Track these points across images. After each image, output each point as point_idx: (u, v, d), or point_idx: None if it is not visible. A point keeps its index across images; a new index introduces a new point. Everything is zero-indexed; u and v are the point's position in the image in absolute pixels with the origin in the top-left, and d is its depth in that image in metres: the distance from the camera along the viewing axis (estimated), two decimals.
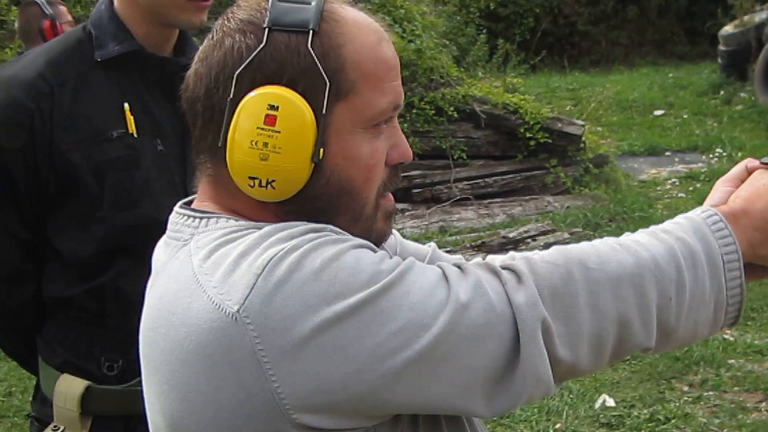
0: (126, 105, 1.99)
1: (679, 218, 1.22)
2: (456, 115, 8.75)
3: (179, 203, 1.21)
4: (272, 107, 1.07)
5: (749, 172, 1.29)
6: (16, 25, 4.08)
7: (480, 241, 7.43)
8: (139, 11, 2.01)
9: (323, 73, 1.08)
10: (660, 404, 4.80)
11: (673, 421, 4.62)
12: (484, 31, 12.20)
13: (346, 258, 1.04)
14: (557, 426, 4.65)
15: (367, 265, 1.04)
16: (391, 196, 1.21)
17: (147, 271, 1.98)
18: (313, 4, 1.10)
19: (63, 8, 4.02)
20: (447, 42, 9.38)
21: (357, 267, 1.03)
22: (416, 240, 6.14)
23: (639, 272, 1.13)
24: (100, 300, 1.98)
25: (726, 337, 5.57)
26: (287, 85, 1.08)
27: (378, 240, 1.19)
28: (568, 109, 11.98)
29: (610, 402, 4.88)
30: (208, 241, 1.09)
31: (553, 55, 15.83)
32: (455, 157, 8.74)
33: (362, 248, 1.08)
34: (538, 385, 1.08)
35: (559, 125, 8.81)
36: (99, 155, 1.95)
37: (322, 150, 1.09)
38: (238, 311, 1.01)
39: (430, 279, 1.06)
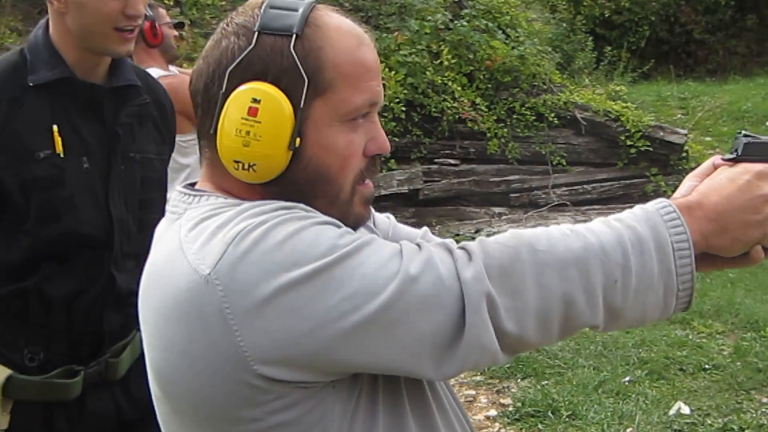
0: (55, 126, 2.14)
1: (636, 208, 1.32)
2: (557, 122, 8.81)
3: (182, 184, 1.38)
4: (255, 100, 1.21)
5: (715, 168, 1.38)
6: None
7: None
8: (71, 39, 2.16)
9: (302, 72, 1.22)
10: (736, 414, 4.79)
11: (746, 431, 4.61)
12: (592, 38, 12.16)
13: (308, 232, 1.17)
14: (629, 430, 4.69)
15: (326, 238, 1.17)
16: (370, 183, 1.33)
17: (70, 275, 2.17)
18: (299, 11, 1.24)
19: (162, 11, 4.25)
20: (550, 49, 9.40)
21: (316, 240, 1.16)
22: None
23: (585, 256, 1.22)
24: (25, 300, 2.16)
25: None
26: (271, 82, 1.22)
27: (356, 222, 1.32)
28: (677, 118, 11.85)
29: (686, 410, 4.88)
30: (196, 215, 1.25)
31: (667, 63, 15.61)
32: (554, 163, 8.81)
33: (326, 224, 1.20)
34: (483, 354, 1.19)
35: (661, 134, 8.77)
36: (26, 174, 2.12)
37: (298, 139, 1.23)
38: (209, 274, 1.16)
39: (384, 254, 1.19)
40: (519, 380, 5.34)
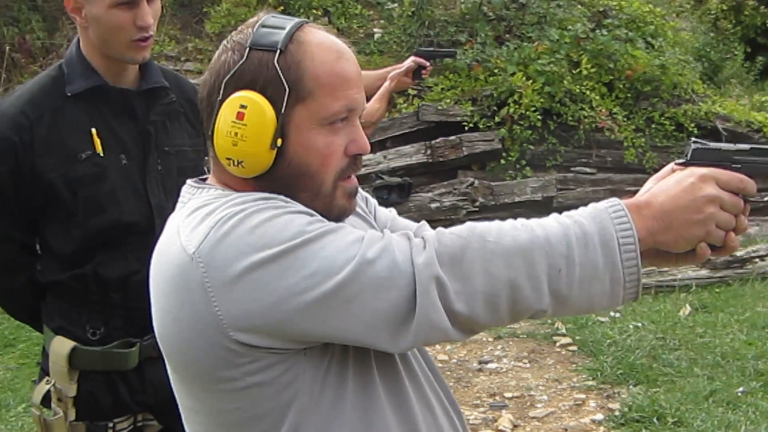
0: (93, 129, 2.42)
1: (590, 206, 1.45)
2: (697, 132, 8.73)
3: (194, 179, 1.61)
4: (243, 106, 1.42)
5: (673, 171, 1.53)
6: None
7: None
8: (98, 51, 2.43)
9: (284, 82, 1.41)
10: None
11: None
12: (747, 48, 11.90)
13: (280, 219, 1.37)
14: None
15: (295, 225, 1.36)
16: (353, 179, 1.53)
17: (121, 259, 2.45)
18: (286, 29, 1.45)
19: None
20: (692, 59, 9.30)
21: (286, 226, 1.36)
22: None
23: (530, 247, 1.38)
24: (84, 283, 2.45)
25: None
26: (259, 91, 1.42)
27: (340, 213, 1.51)
28: None
29: None
30: (195, 204, 1.47)
31: None
32: None
33: (298, 213, 1.40)
34: (432, 331, 1.37)
35: None
36: (71, 173, 2.40)
37: (280, 140, 1.42)
38: (194, 253, 1.37)
39: (346, 240, 1.37)
40: (630, 386, 5.40)
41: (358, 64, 1.53)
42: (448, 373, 5.85)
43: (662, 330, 6.24)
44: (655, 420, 4.88)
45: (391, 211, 1.84)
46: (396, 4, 10.39)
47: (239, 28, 1.51)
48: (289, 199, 1.45)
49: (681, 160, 1.54)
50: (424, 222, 1.81)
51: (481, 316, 1.39)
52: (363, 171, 8.63)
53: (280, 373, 1.41)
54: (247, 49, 1.45)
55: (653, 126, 8.82)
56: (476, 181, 8.51)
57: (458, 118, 8.78)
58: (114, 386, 2.52)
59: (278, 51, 1.43)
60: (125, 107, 2.48)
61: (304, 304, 1.34)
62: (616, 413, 5.05)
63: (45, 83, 2.49)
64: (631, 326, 6.36)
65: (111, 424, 2.54)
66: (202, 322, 1.38)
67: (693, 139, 1.58)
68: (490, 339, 6.41)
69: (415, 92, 9.20)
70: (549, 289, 1.40)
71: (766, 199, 8.71)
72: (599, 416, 5.08)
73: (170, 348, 1.48)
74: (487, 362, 6.00)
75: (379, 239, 1.40)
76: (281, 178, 1.46)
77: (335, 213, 1.51)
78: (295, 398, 1.42)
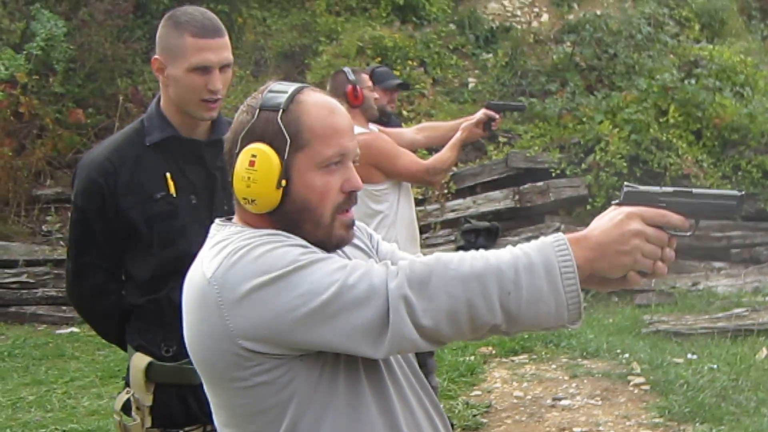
0: (168, 173, 2.79)
1: (538, 240, 1.72)
2: None
3: (221, 218, 1.95)
4: (253, 156, 1.75)
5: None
6: (327, 89, 5.00)
7: None
8: (175, 106, 2.80)
9: (286, 134, 1.74)
10: None
11: None
12: None
13: (278, 251, 1.69)
14: None
15: (290, 255, 1.68)
16: (350, 212, 1.84)
17: None
18: (288, 93, 1.78)
19: (365, 76, 4.90)
20: None
21: (283, 256, 1.68)
22: (727, 298, 6.47)
23: (484, 273, 1.66)
24: (159, 306, 2.82)
25: None
26: (266, 143, 1.75)
27: (339, 241, 1.83)
28: None
29: None
30: (217, 239, 1.81)
31: None
32: None
33: (294, 246, 1.72)
34: (404, 341, 1.66)
35: None
36: (148, 211, 2.77)
37: (285, 181, 1.74)
38: (210, 278, 1.71)
39: (332, 267, 1.67)
40: (697, 424, 5.54)
41: (349, 118, 1.86)
42: (522, 408, 6.09)
43: (736, 372, 6.34)
44: None
45: (392, 246, 2.16)
46: (490, 55, 10.76)
47: (253, 94, 1.87)
48: (290, 235, 1.78)
49: (615, 201, 1.81)
50: (419, 254, 2.14)
51: (445, 330, 1.69)
52: (452, 215, 9.04)
53: (281, 375, 1.73)
54: (257, 110, 1.79)
55: (740, 173, 8.92)
56: (563, 226, 8.74)
57: (546, 165, 9.06)
58: (185, 398, 2.86)
59: (281, 110, 1.77)
60: (195, 155, 2.86)
61: (296, 318, 1.66)
62: None
63: (128, 134, 2.90)
64: (705, 368, 6.48)
65: None
66: (217, 332, 1.71)
67: (626, 183, 1.87)
68: (566, 377, 6.62)
69: (505, 140, 9.54)
70: (501, 308, 1.66)
71: None
72: None
73: (195, 354, 1.82)
74: (560, 399, 6.21)
75: (361, 267, 1.71)
76: (288, 213, 1.79)
77: (334, 241, 1.83)
78: (294, 395, 1.74)
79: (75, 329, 8.26)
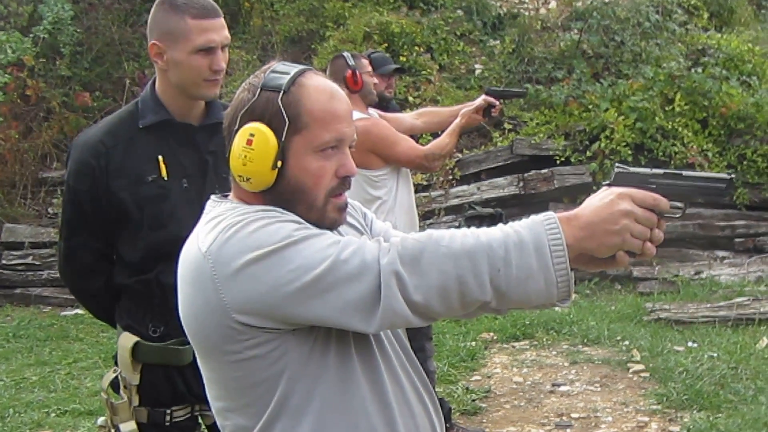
0: (160, 157, 2.82)
1: (530, 218, 1.74)
2: None
3: (217, 195, 1.98)
4: (251, 135, 1.78)
5: None
6: (326, 74, 4.99)
7: None
8: (171, 90, 2.83)
9: (285, 116, 1.77)
10: None
11: None
12: None
13: (272, 226, 1.73)
14: None
15: (284, 230, 1.72)
16: (344, 196, 1.87)
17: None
18: (290, 75, 1.80)
19: (364, 61, 4.90)
20: None
21: (277, 231, 1.71)
22: (730, 287, 6.50)
23: (474, 250, 1.68)
24: (148, 287, 2.86)
25: None
26: (265, 123, 1.78)
27: (332, 224, 1.86)
28: None
29: None
30: (213, 214, 1.84)
31: None
32: None
33: (288, 222, 1.74)
34: (395, 317, 1.69)
35: None
36: (139, 193, 2.80)
37: (280, 162, 1.77)
38: (205, 252, 1.74)
39: (325, 243, 1.71)
40: (694, 411, 5.57)
41: (349, 104, 1.89)
42: (521, 394, 6.13)
43: (736, 360, 6.35)
44: None
45: (386, 224, 2.19)
46: (497, 42, 10.74)
47: (256, 73, 1.89)
48: (284, 211, 1.81)
49: (606, 182, 1.83)
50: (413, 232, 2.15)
51: (436, 306, 1.71)
52: (456, 201, 9.04)
53: (273, 349, 1.77)
54: (259, 90, 1.82)
55: (745, 162, 8.89)
56: None
57: (551, 152, 9.06)
58: (172, 378, 2.92)
59: (282, 92, 1.80)
60: (188, 139, 2.89)
61: (289, 292, 1.70)
62: None
63: (122, 116, 2.93)
64: (705, 356, 6.49)
65: (169, 411, 2.94)
66: (211, 306, 1.75)
67: (617, 163, 1.89)
68: (566, 364, 6.65)
69: (510, 127, 9.52)
70: (491, 285, 1.69)
71: None
72: None
73: (189, 327, 1.85)
74: (560, 385, 6.24)
75: (354, 243, 1.74)
76: (282, 193, 1.83)
77: (327, 224, 1.86)
78: (285, 369, 1.78)
79: (79, 311, 8.30)
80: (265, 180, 1.81)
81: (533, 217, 1.75)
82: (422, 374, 2.01)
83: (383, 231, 2.14)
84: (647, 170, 1.84)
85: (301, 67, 1.87)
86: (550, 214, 1.75)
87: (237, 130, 1.82)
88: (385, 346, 1.92)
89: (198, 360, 1.91)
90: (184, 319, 1.85)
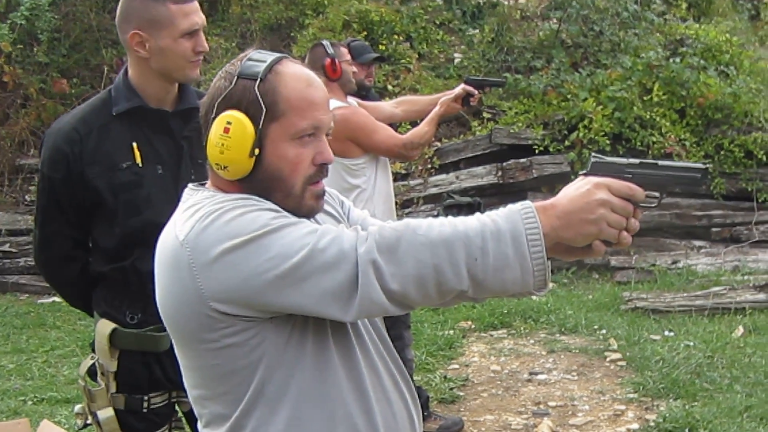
0: (134, 143, 2.83)
1: (507, 207, 1.74)
2: (765, 159, 8.83)
3: (194, 183, 1.98)
4: (228, 123, 1.77)
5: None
6: (305, 62, 4.98)
7: (764, 283, 7.55)
8: (146, 76, 2.83)
9: (262, 104, 1.77)
10: None
11: None
12: None
13: (250, 215, 1.72)
14: None
15: (262, 219, 1.71)
16: (321, 183, 1.87)
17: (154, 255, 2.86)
18: (266, 62, 1.80)
19: (343, 49, 4.89)
20: (762, 87, 9.38)
21: (254, 220, 1.71)
22: (707, 276, 6.52)
23: (452, 239, 1.68)
24: (125, 275, 2.86)
25: None
26: (242, 111, 1.77)
27: (309, 211, 1.86)
28: None
29: None
30: (190, 203, 1.83)
31: None
32: (761, 200, 8.84)
33: (265, 210, 1.74)
34: (373, 305, 1.70)
35: None
36: (114, 180, 2.80)
37: (258, 150, 1.77)
38: (183, 240, 1.74)
39: (303, 231, 1.71)
40: (670, 400, 5.61)
41: (325, 91, 1.89)
42: (498, 382, 6.16)
43: (712, 349, 6.41)
44: (687, 431, 5.10)
45: (364, 212, 2.19)
46: (477, 31, 10.74)
47: (232, 61, 1.88)
48: (261, 199, 1.81)
49: (583, 171, 1.84)
50: (390, 221, 2.12)
51: (413, 294, 1.72)
52: (434, 190, 9.06)
53: (250, 337, 1.77)
54: (235, 78, 1.82)
55: (722, 152, 8.95)
56: None
57: (529, 141, 9.07)
58: (149, 365, 2.92)
59: (259, 79, 1.80)
60: (162, 125, 2.89)
61: (267, 280, 1.70)
62: (651, 423, 5.28)
63: (96, 104, 2.92)
64: (681, 345, 6.54)
65: (147, 398, 2.95)
66: (189, 294, 1.75)
67: (593, 153, 1.89)
68: (544, 352, 6.68)
69: (489, 116, 9.54)
70: (468, 274, 1.70)
71: None
72: (635, 426, 5.33)
73: (167, 315, 1.85)
74: (537, 374, 6.27)
75: (331, 232, 1.74)
76: (259, 181, 1.82)
77: (304, 211, 1.86)
78: (263, 357, 1.78)
79: (56, 299, 8.25)
80: (243, 168, 1.81)
81: (510, 206, 1.75)
82: (399, 362, 2.02)
83: (360, 219, 2.15)
84: (623, 160, 1.85)
85: (278, 55, 1.87)
86: (527, 203, 1.75)
87: (214, 119, 1.82)
88: (363, 335, 1.93)
89: (175, 348, 1.91)
90: (162, 307, 1.85)
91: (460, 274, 1.70)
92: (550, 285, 1.79)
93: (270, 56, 1.85)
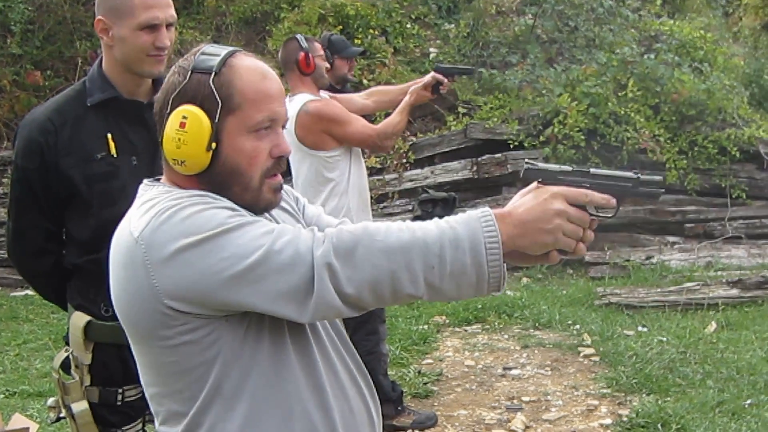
0: (109, 134, 2.81)
1: (466, 214, 1.73)
2: (739, 156, 8.89)
3: (149, 179, 1.95)
4: (184, 117, 1.75)
5: (537, 188, 1.82)
6: (279, 56, 4.99)
7: (737, 278, 7.61)
8: (118, 68, 2.82)
9: (217, 97, 1.75)
10: None
11: None
12: None
13: (206, 212, 1.70)
14: None
15: (218, 217, 1.69)
16: (278, 177, 1.85)
17: None
18: (220, 56, 1.78)
19: (317, 44, 4.88)
20: (739, 84, 9.45)
21: (211, 218, 1.68)
22: (680, 272, 6.52)
23: (409, 246, 1.68)
24: (99, 266, 2.66)
25: None
26: (198, 105, 1.75)
27: (267, 204, 1.85)
28: None
29: None
30: (145, 198, 1.81)
31: None
32: (734, 196, 8.91)
33: (222, 209, 1.72)
34: (329, 308, 1.69)
35: None
36: (89, 171, 2.78)
37: (215, 144, 1.75)
38: (138, 237, 1.71)
39: (259, 231, 1.69)
40: (643, 395, 5.63)
41: (281, 84, 1.87)
42: (472, 377, 6.15)
43: (684, 345, 6.44)
44: (659, 426, 5.10)
45: (318, 209, 2.17)
46: (452, 26, 10.75)
47: (185, 56, 1.86)
48: (218, 197, 1.79)
49: (542, 180, 1.83)
50: (345, 219, 2.14)
51: (367, 299, 1.72)
52: (409, 185, 9.06)
53: (206, 334, 1.75)
54: (189, 72, 1.80)
55: (696, 149, 9.00)
56: None
57: (504, 137, 9.10)
58: (124, 358, 2.83)
59: (213, 73, 1.78)
60: (137, 116, 2.86)
61: (221, 279, 1.68)
62: (624, 419, 5.29)
63: (70, 95, 2.90)
64: (655, 340, 6.57)
65: (121, 391, 2.92)
66: (143, 291, 1.73)
67: (526, 159, 1.89)
68: (518, 348, 6.70)
69: (464, 110, 9.55)
70: (424, 281, 1.70)
71: None
72: (608, 421, 5.33)
73: (122, 312, 1.83)
74: (511, 369, 6.28)
75: (288, 233, 1.72)
76: (217, 174, 1.80)
77: (262, 205, 1.85)
78: (219, 354, 1.77)
79: (30, 292, 8.20)
80: (200, 162, 1.79)
81: (470, 213, 1.76)
82: (356, 357, 2.02)
83: (315, 216, 2.14)
84: (556, 167, 1.86)
85: (231, 48, 1.86)
86: (486, 210, 1.76)
87: (169, 114, 1.80)
88: (319, 332, 1.92)
89: (131, 345, 1.89)
90: (117, 303, 1.83)
91: (417, 281, 1.70)
92: (505, 287, 1.80)
93: (224, 50, 1.84)
